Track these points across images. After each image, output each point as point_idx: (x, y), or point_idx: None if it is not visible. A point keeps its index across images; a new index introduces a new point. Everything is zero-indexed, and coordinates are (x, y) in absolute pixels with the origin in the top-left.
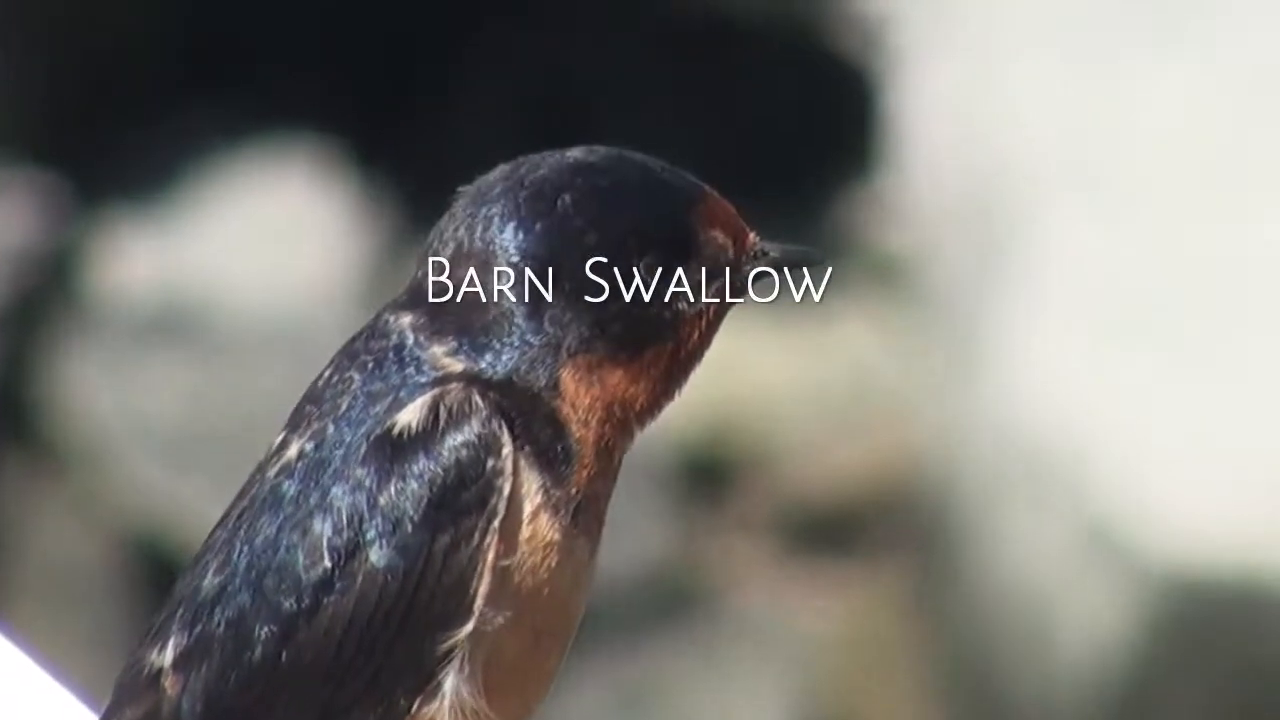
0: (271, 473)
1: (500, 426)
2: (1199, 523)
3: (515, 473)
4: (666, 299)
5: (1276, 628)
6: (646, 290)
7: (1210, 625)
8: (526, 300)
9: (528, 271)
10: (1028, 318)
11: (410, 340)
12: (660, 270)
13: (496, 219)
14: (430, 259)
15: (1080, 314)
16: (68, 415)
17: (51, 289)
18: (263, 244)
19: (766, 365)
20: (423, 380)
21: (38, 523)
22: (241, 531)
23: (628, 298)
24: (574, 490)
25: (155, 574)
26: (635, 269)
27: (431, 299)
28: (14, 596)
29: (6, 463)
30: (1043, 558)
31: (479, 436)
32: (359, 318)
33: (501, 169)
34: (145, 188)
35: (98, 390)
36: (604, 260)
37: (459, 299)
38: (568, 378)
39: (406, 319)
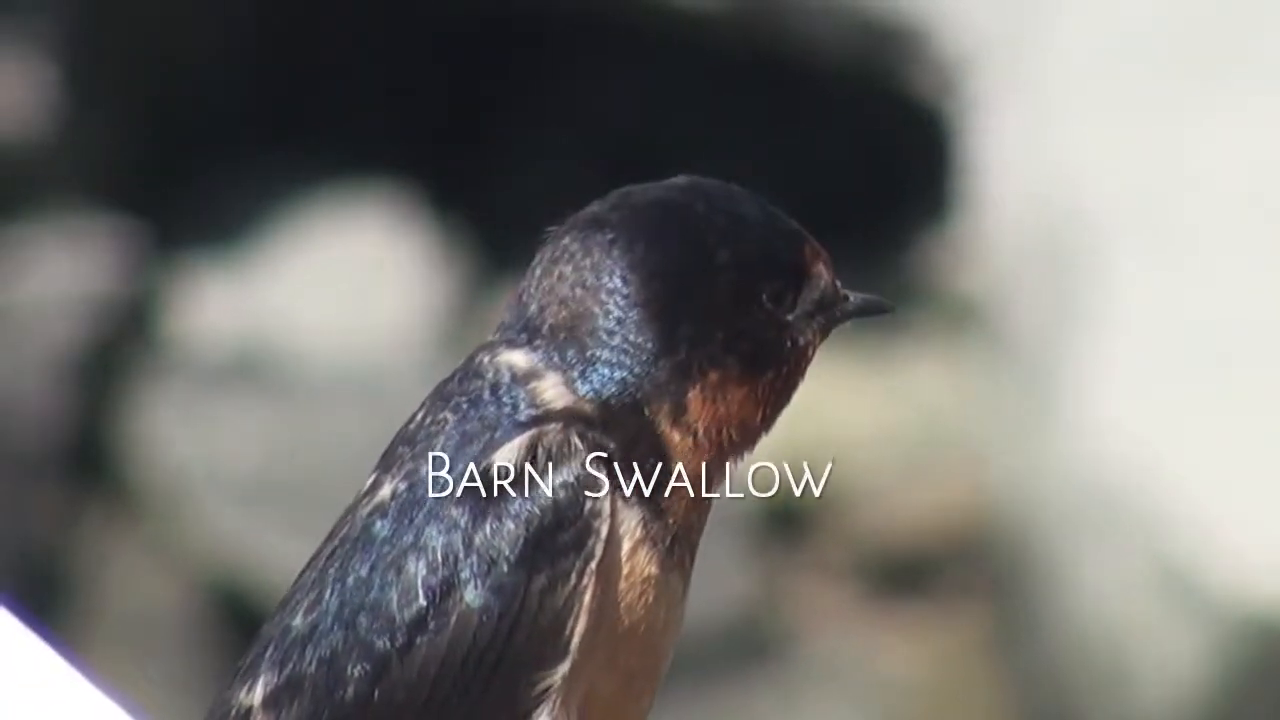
0: (364, 513)
1: (599, 468)
2: (1276, 562)
3: (613, 513)
4: (785, 324)
5: None
6: (771, 314)
7: None
8: (652, 320)
9: (657, 287)
10: (1101, 360)
11: (507, 378)
12: (782, 296)
13: (619, 240)
14: (534, 289)
15: (1153, 356)
16: (145, 460)
17: (130, 334)
18: (339, 290)
19: (842, 409)
20: (521, 419)
21: (116, 566)
22: (332, 571)
23: (755, 320)
24: (671, 521)
25: (232, 616)
26: (763, 292)
27: (534, 330)
28: (93, 639)
29: (86, 506)
30: (1119, 599)
31: (578, 478)
32: (435, 362)
33: (606, 199)
34: (223, 234)
35: (175, 435)
36: (735, 279)
37: (569, 326)
38: (695, 396)
39: (505, 356)
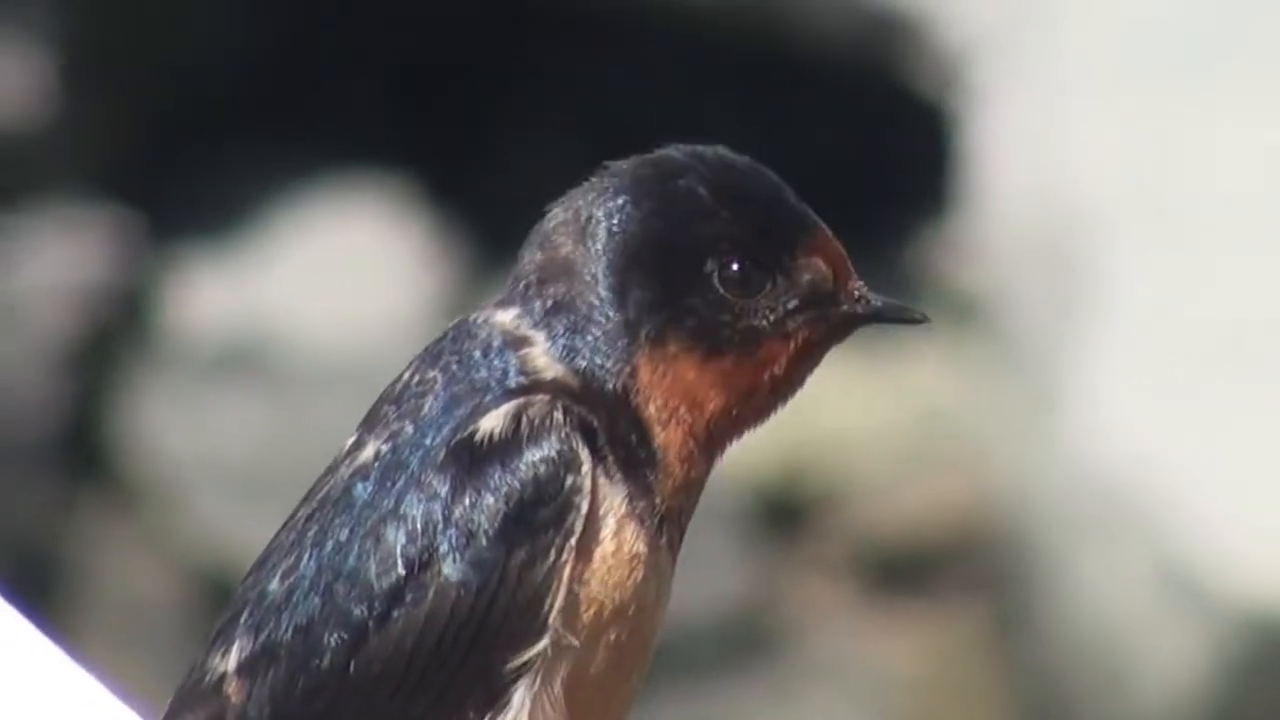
0: (345, 473)
1: (580, 443)
2: (1276, 561)
3: (595, 489)
4: (741, 311)
5: None
6: (722, 296)
7: None
8: (613, 274)
9: (620, 244)
10: (1103, 356)
11: (499, 342)
12: (742, 282)
13: (610, 190)
14: (531, 247)
15: (1156, 352)
16: (140, 451)
17: (125, 325)
18: (334, 280)
19: (841, 404)
20: (510, 385)
21: (111, 559)
22: (310, 534)
23: (704, 298)
24: (658, 500)
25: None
26: (715, 273)
27: (525, 289)
28: (88, 633)
29: (80, 498)
30: (1119, 598)
31: (559, 454)
32: None
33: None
34: (218, 224)
35: (170, 426)
36: (689, 252)
37: (554, 278)
38: (643, 365)
39: (498, 317)
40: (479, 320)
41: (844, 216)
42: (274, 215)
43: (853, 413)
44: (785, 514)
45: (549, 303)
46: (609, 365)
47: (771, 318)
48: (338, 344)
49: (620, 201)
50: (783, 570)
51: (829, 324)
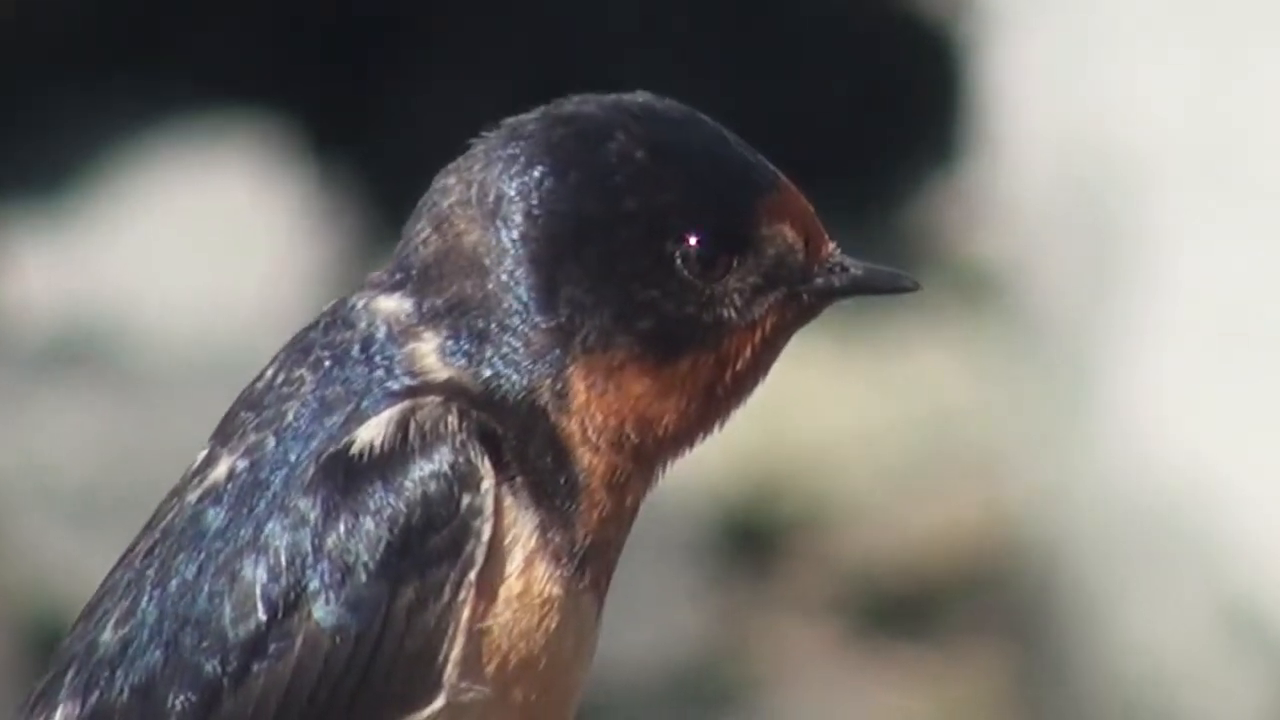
0: (192, 497)
1: (480, 455)
2: None
3: (498, 513)
4: (711, 298)
5: None
6: (688, 282)
7: None
8: (538, 270)
9: (545, 231)
10: (1150, 344)
11: (383, 333)
12: (707, 262)
13: (521, 159)
14: (425, 215)
15: (1214, 339)
16: None
17: None
18: (193, 251)
19: (825, 404)
20: (394, 387)
21: None
22: (151, 572)
23: (664, 288)
24: (581, 533)
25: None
26: (677, 254)
27: (419, 278)
28: None
29: None
30: (1171, 639)
31: (453, 467)
32: None
33: (545, 106)
34: (47, 183)
35: None
36: (640, 234)
37: (457, 274)
38: (578, 380)
39: (383, 304)
40: (358, 306)
41: (833, 169)
42: (118, 169)
43: (839, 415)
44: (755, 541)
45: (451, 301)
46: (526, 381)
47: (739, 302)
48: (197, 331)
49: (537, 174)
50: (752, 610)
51: (802, 303)
